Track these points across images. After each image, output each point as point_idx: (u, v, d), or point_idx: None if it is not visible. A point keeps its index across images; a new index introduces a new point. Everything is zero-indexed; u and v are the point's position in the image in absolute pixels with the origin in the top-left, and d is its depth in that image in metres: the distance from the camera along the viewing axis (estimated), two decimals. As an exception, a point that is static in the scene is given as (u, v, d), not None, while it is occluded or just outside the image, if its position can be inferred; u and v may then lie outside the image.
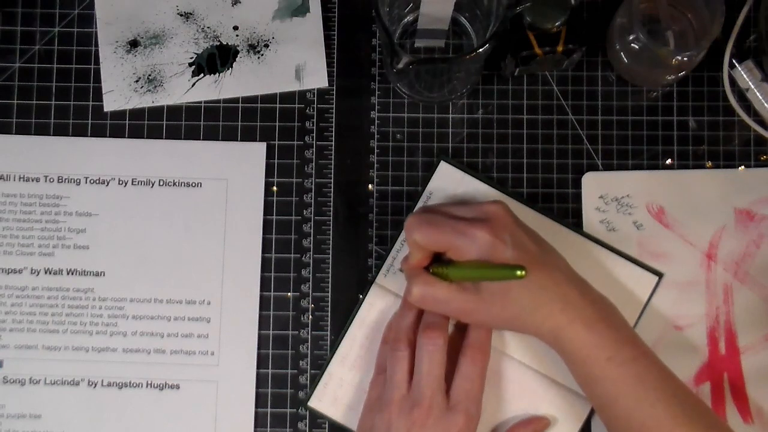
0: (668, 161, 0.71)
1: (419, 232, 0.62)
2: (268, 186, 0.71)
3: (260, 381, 0.69)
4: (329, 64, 0.72)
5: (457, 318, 0.65)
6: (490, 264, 0.60)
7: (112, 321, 0.69)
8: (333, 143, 0.71)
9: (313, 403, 0.68)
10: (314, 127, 0.71)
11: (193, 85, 0.71)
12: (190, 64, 0.72)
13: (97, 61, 0.72)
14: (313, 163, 0.71)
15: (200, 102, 0.71)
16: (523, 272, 0.57)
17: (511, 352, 0.68)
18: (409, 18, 0.70)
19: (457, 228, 0.61)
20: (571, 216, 0.70)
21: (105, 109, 0.71)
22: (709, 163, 0.71)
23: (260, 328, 0.69)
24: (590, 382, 0.61)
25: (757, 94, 0.70)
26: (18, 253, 0.69)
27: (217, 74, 0.72)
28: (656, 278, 0.69)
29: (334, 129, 0.71)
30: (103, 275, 0.69)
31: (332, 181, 0.71)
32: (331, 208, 0.71)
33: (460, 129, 0.71)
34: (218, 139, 0.71)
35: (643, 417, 0.59)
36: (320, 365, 0.69)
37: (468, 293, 0.62)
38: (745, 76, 0.71)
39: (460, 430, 0.61)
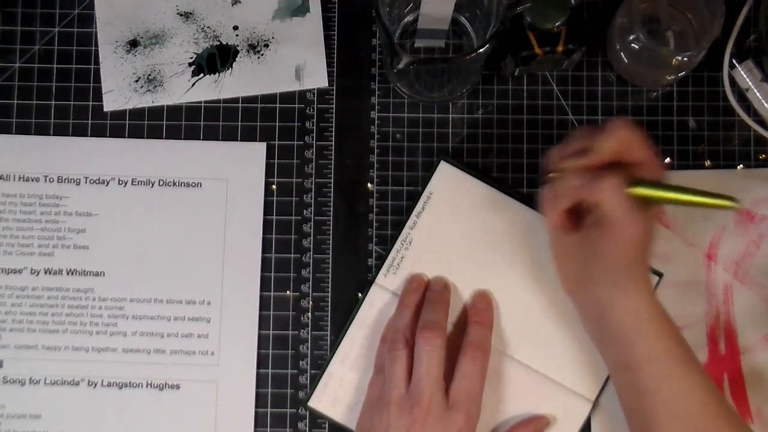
0: (668, 161, 0.71)
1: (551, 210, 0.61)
2: (268, 186, 0.71)
3: (260, 381, 0.69)
4: (329, 64, 0.72)
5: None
6: (705, 191, 0.58)
7: (112, 321, 0.69)
8: (333, 143, 0.71)
9: (313, 403, 0.68)
10: (314, 127, 0.71)
11: (193, 85, 0.71)
12: (190, 64, 0.72)
13: (97, 61, 0.72)
14: (313, 163, 0.71)
15: (200, 102, 0.71)
16: (737, 204, 0.55)
17: (511, 352, 0.68)
18: (409, 18, 0.70)
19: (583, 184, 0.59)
20: (571, 216, 0.70)
21: (105, 109, 0.71)
22: (709, 163, 0.71)
23: (260, 328, 0.69)
24: (628, 370, 0.61)
25: (757, 94, 0.70)
26: (18, 253, 0.69)
27: (217, 74, 0.72)
28: (656, 278, 0.69)
29: (334, 129, 0.71)
30: (103, 275, 0.69)
31: (332, 181, 0.71)
32: (331, 208, 0.71)
33: (460, 129, 0.71)
34: (218, 139, 0.71)
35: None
36: (320, 365, 0.69)
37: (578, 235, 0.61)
38: (745, 76, 0.71)
39: (460, 430, 0.61)
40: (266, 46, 0.72)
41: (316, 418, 0.68)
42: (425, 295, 0.67)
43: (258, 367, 0.69)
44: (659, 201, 0.58)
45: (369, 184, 0.71)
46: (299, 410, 0.69)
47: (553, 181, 0.60)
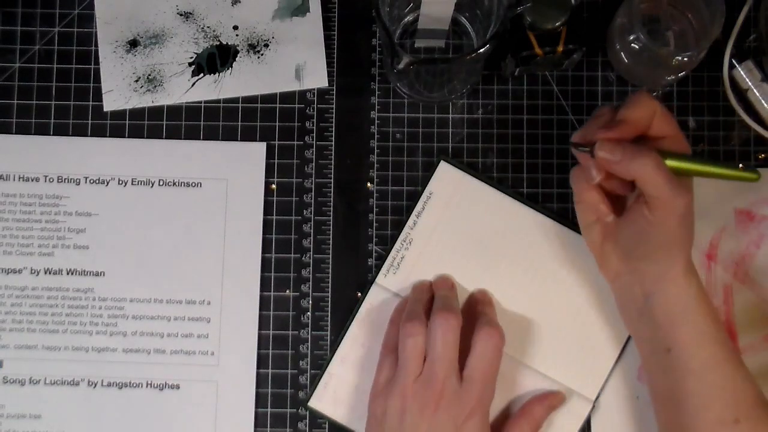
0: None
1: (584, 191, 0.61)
2: (267, 186, 0.71)
3: (260, 381, 0.69)
4: (329, 64, 0.72)
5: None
6: (726, 164, 0.60)
7: (112, 321, 0.69)
8: (333, 143, 0.71)
9: (313, 403, 0.68)
10: (314, 127, 0.71)
11: (192, 85, 0.71)
12: (190, 64, 0.72)
13: (97, 61, 0.72)
14: (313, 163, 0.71)
15: (200, 102, 0.71)
16: (757, 176, 0.57)
17: (512, 352, 0.68)
18: (409, 18, 0.70)
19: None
20: (571, 216, 0.70)
21: (105, 109, 0.71)
22: (709, 163, 0.71)
23: (260, 328, 0.69)
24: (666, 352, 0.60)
25: (757, 94, 0.70)
26: (18, 253, 0.69)
27: (217, 74, 0.72)
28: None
29: (334, 129, 0.71)
30: (103, 275, 0.69)
31: (332, 180, 0.71)
32: (331, 208, 0.71)
33: (460, 129, 0.71)
34: (218, 139, 0.71)
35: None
36: (320, 365, 0.69)
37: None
38: (745, 76, 0.71)
39: (473, 409, 0.60)
40: (266, 46, 0.72)
41: (316, 418, 0.68)
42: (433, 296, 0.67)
43: (258, 367, 0.69)
44: (690, 173, 0.59)
45: (369, 184, 0.71)
46: (299, 410, 0.69)
47: (583, 157, 0.60)
